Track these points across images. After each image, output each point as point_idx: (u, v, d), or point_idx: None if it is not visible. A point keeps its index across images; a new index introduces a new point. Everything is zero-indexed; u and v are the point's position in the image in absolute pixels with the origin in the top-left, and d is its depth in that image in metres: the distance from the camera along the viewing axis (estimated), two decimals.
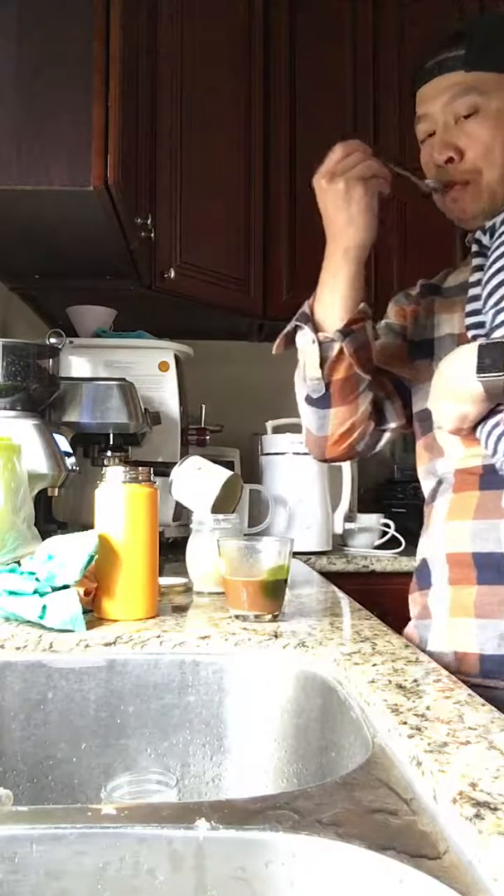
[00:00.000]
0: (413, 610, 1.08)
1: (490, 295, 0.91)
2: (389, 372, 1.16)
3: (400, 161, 1.00)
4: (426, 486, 1.10)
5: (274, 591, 0.95)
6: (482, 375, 0.85)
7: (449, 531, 1.00)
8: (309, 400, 1.10)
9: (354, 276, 1.01)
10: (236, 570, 0.96)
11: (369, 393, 1.09)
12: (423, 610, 1.04)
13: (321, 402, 1.08)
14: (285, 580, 0.97)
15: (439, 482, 1.06)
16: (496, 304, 0.89)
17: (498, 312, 0.88)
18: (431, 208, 1.10)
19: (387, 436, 1.18)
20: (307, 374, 1.06)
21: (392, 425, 1.17)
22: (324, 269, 1.03)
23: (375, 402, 1.12)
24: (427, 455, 1.09)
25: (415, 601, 1.07)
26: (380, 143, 2.38)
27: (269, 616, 0.95)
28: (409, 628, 1.08)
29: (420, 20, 2.39)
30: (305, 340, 1.05)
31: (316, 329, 1.03)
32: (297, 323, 1.05)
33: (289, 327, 1.06)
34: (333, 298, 1.02)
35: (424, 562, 1.05)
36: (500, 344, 0.85)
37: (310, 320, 1.04)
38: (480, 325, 0.93)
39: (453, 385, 0.89)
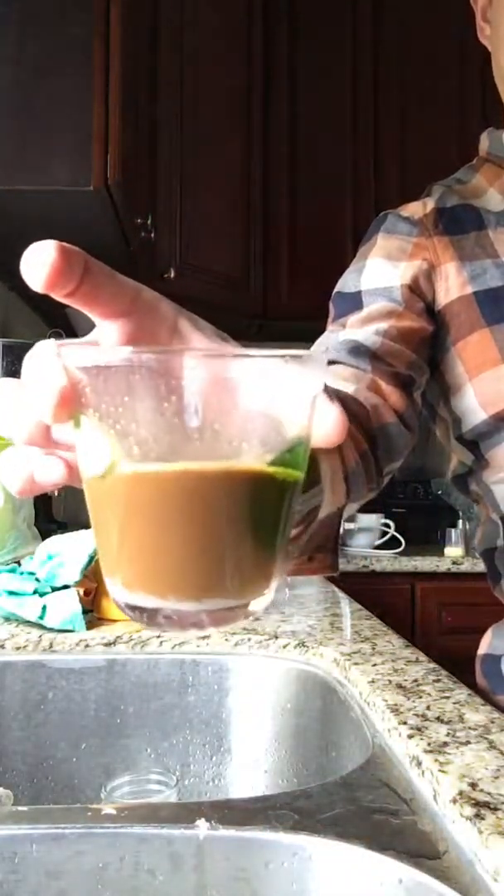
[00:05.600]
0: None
1: None
2: (402, 376, 0.75)
3: None
4: None
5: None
6: None
7: None
8: None
9: None
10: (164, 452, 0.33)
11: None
12: None
13: None
14: (297, 481, 0.32)
15: (489, 502, 0.80)
16: None
17: None
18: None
19: (387, 478, 0.74)
20: None
21: (396, 463, 0.75)
22: None
23: (373, 450, 0.68)
24: None
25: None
26: (380, 143, 2.38)
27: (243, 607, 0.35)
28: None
29: (421, 17, 2.39)
30: None
31: None
32: None
33: None
34: None
35: None
36: None
37: None
38: None
39: None
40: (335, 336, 0.76)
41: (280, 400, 0.28)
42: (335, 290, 0.84)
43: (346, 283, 0.83)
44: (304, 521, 0.50)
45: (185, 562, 0.28)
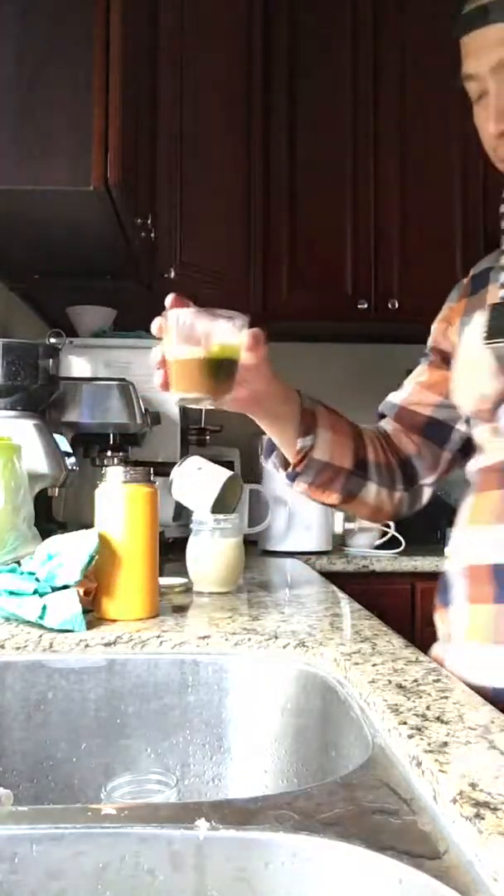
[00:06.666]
0: (438, 630, 0.95)
1: None
2: (419, 420, 1.04)
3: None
4: None
5: (220, 372, 0.84)
6: (491, 342, 0.72)
7: (468, 538, 0.88)
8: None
9: (271, 423, 0.97)
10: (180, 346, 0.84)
11: (373, 484, 1.01)
12: (445, 631, 0.92)
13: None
14: (234, 362, 0.85)
15: (467, 485, 0.95)
16: None
17: None
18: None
19: (427, 490, 1.08)
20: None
21: (428, 480, 1.06)
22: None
23: (401, 465, 1.04)
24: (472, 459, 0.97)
25: (440, 620, 0.94)
26: (380, 143, 2.38)
27: (209, 400, 0.84)
28: (435, 650, 0.93)
29: (419, 14, 2.39)
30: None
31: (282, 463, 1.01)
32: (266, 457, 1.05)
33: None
34: (276, 440, 1.00)
35: (444, 575, 0.94)
36: None
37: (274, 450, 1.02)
38: None
39: (466, 355, 0.77)
40: (391, 395, 1.10)
41: (224, 329, 0.83)
42: None
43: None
44: (301, 451, 0.96)
45: (192, 379, 0.83)
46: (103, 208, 1.32)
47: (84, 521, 1.28)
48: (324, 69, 2.38)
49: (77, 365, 1.74)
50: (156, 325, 0.83)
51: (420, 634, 1.95)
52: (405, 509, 1.07)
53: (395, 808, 0.46)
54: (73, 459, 1.44)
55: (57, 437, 1.42)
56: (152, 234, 1.71)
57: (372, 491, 1.01)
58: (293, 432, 0.96)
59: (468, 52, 0.90)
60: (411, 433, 1.05)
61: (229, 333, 0.83)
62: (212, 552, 1.21)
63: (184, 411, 1.87)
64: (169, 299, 0.85)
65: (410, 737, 0.52)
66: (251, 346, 0.85)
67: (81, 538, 0.94)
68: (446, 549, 0.99)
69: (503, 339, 0.72)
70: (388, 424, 1.07)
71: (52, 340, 1.50)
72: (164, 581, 1.15)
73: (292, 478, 0.99)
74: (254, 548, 2.07)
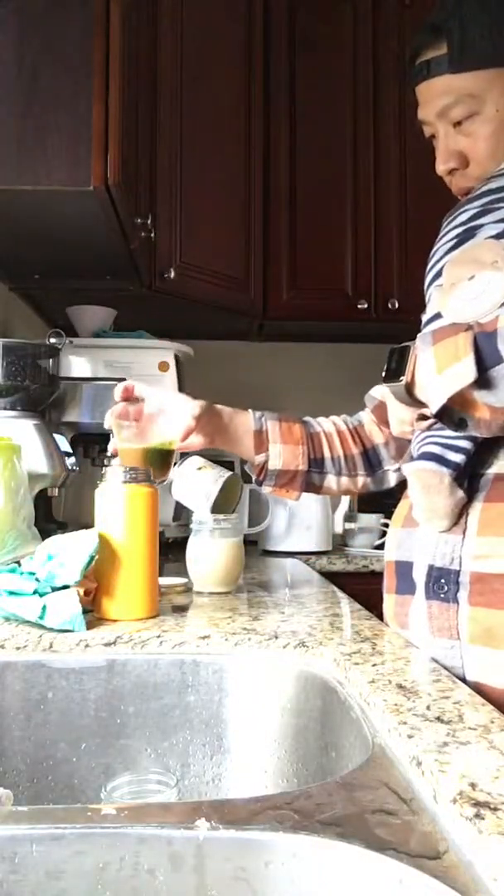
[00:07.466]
0: None
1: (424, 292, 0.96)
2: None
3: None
4: None
5: (160, 459, 1.10)
6: (387, 382, 0.84)
7: (389, 536, 1.02)
8: None
9: (232, 450, 1.19)
10: (124, 442, 1.10)
11: (332, 476, 1.21)
12: None
13: None
14: (171, 451, 1.13)
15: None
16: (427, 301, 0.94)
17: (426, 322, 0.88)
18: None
19: (394, 475, 1.24)
20: None
21: (394, 466, 1.23)
22: None
23: (365, 453, 1.24)
24: None
25: None
26: (380, 143, 2.38)
27: (158, 480, 1.07)
28: None
29: (419, 14, 2.39)
30: None
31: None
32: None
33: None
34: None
35: None
36: (405, 348, 0.83)
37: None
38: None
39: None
40: (374, 388, 1.21)
41: (161, 425, 1.11)
42: None
43: None
44: (258, 465, 1.18)
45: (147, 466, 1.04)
46: (103, 208, 1.32)
47: (84, 521, 1.28)
48: (324, 70, 2.38)
49: (77, 365, 1.74)
50: (108, 420, 1.09)
51: None
52: (373, 488, 1.26)
53: (395, 809, 0.46)
54: (73, 459, 1.44)
55: (57, 437, 1.42)
56: (152, 234, 1.71)
57: (332, 481, 1.22)
58: (251, 453, 1.18)
59: (420, 101, 1.03)
60: (382, 425, 1.21)
61: (166, 428, 1.09)
62: (212, 552, 1.21)
63: None
64: (118, 391, 1.09)
65: (410, 737, 0.52)
66: (184, 438, 1.10)
67: (81, 538, 0.94)
68: None
69: (396, 380, 0.82)
70: (366, 415, 1.24)
71: (52, 340, 1.50)
72: (164, 581, 1.15)
73: (259, 484, 1.21)
74: (254, 548, 2.07)
